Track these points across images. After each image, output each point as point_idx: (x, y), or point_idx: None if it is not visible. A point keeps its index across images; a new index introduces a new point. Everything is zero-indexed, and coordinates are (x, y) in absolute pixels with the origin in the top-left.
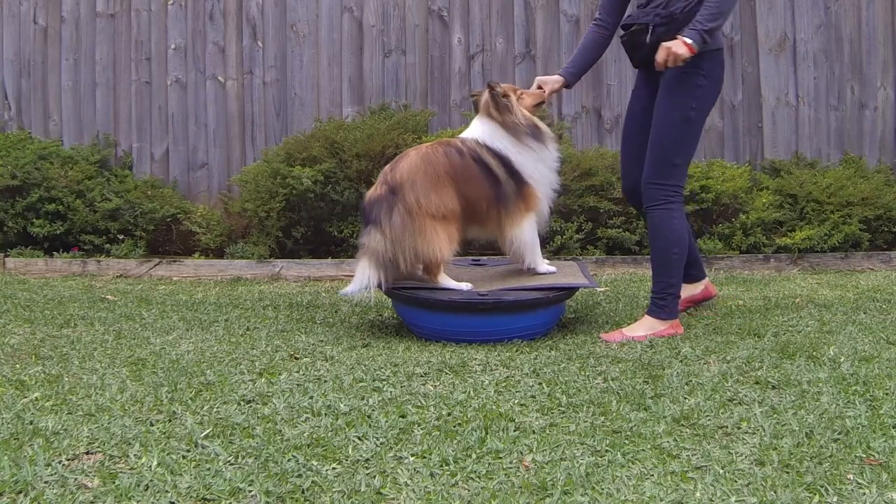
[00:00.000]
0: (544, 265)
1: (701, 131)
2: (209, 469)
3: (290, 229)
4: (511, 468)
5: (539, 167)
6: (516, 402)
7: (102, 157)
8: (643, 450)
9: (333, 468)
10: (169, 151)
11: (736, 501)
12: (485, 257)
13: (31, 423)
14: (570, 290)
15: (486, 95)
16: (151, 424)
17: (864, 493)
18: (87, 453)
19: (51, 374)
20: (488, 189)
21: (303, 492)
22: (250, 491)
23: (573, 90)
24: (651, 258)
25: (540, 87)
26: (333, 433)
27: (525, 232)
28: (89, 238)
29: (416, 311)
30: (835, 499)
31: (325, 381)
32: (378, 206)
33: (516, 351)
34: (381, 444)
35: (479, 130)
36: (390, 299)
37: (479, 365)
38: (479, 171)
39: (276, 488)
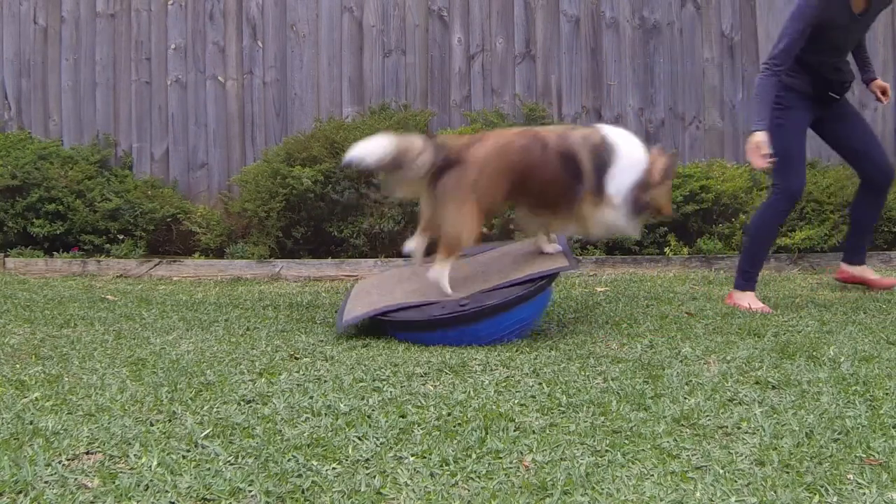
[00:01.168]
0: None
1: None
2: (209, 469)
3: (290, 229)
4: (511, 468)
5: (616, 214)
6: (516, 402)
7: (102, 157)
8: (643, 450)
9: (333, 468)
10: (169, 151)
11: (736, 501)
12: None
13: (31, 423)
14: (551, 277)
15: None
16: (151, 424)
17: (864, 493)
18: (87, 453)
19: (51, 374)
20: (564, 179)
21: (303, 492)
22: (250, 491)
23: (573, 90)
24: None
25: (770, 156)
26: (333, 433)
27: (604, 215)
28: (89, 238)
29: (404, 333)
30: (835, 499)
31: (325, 381)
32: (442, 154)
33: (516, 351)
34: (381, 444)
35: (626, 141)
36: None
37: (479, 365)
38: (557, 164)
39: (276, 488)
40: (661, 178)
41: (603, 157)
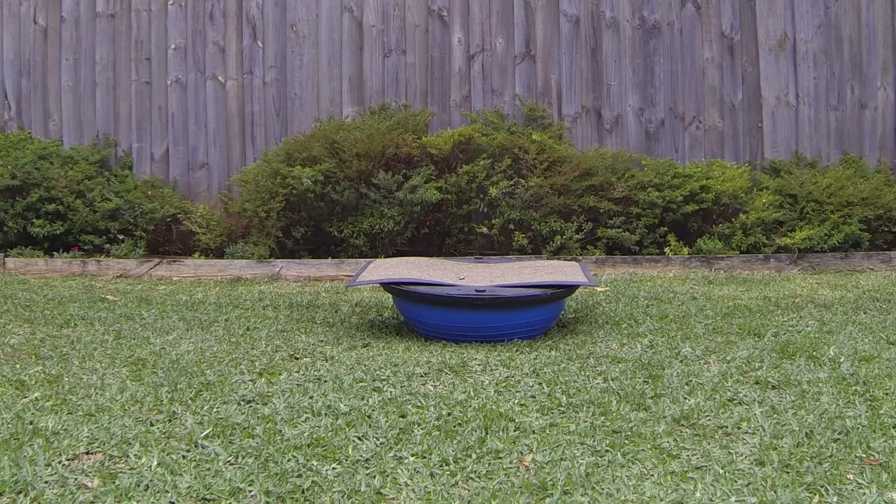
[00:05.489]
0: None
1: None
2: (209, 469)
3: (290, 229)
4: (511, 468)
5: None
6: (516, 402)
7: (102, 157)
8: (643, 450)
9: (333, 468)
10: (169, 151)
11: (736, 501)
12: (485, 257)
13: (31, 423)
14: (569, 288)
15: None
16: (151, 424)
17: (864, 493)
18: (87, 453)
19: (51, 374)
20: None
21: (303, 492)
22: (250, 491)
23: (573, 90)
24: None
25: None
26: (333, 433)
27: None
28: (89, 238)
29: (416, 307)
30: (835, 499)
31: (325, 381)
32: None
33: (516, 351)
34: (381, 444)
35: None
36: (391, 296)
37: (479, 365)
38: None
39: (276, 488)
40: None
41: None
